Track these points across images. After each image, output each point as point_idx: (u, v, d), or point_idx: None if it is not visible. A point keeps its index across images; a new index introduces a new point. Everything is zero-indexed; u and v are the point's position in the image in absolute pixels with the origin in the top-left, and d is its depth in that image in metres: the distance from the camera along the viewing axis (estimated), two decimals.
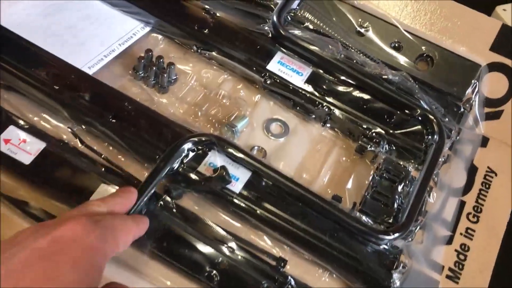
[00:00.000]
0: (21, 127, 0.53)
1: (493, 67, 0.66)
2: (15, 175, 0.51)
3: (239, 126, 0.60)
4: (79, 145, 0.54)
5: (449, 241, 0.57)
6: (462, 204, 0.60)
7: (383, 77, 0.62)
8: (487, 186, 0.62)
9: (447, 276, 0.55)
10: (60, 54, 0.60)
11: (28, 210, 0.49)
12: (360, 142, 0.60)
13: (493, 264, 0.56)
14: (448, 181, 0.61)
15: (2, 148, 0.51)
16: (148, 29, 0.66)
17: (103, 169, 0.52)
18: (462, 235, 0.58)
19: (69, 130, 0.55)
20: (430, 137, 0.59)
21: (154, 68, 0.61)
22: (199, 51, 0.65)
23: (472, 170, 0.62)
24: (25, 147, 0.52)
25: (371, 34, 0.67)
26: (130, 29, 0.66)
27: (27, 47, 0.59)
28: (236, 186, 0.53)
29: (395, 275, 0.50)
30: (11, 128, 0.52)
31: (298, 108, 0.62)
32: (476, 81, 0.65)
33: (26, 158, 0.51)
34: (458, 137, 0.63)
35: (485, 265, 0.56)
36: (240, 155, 0.54)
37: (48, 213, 0.49)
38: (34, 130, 0.53)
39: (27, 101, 0.57)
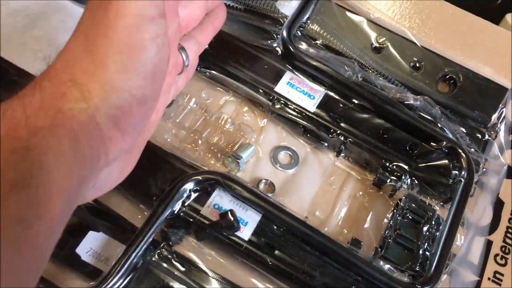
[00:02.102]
0: None
1: None
2: None
3: (245, 157, 0.53)
4: None
5: (477, 287, 0.52)
6: (489, 244, 0.54)
7: (405, 102, 0.56)
8: None
9: None
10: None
11: None
12: (378, 175, 0.54)
13: None
14: (474, 218, 0.55)
15: None
16: None
17: (94, 214, 0.45)
18: (490, 280, 0.53)
19: None
20: (457, 172, 0.53)
21: None
22: (198, 69, 0.58)
23: (498, 205, 0.57)
24: None
25: (388, 51, 0.61)
26: None
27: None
28: (245, 232, 0.46)
29: None
30: None
31: (308, 135, 0.56)
32: (502, 105, 0.59)
33: None
34: (484, 169, 0.57)
35: None
36: (250, 196, 0.47)
37: None
38: None
39: None
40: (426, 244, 0.50)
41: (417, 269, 0.48)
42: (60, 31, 0.57)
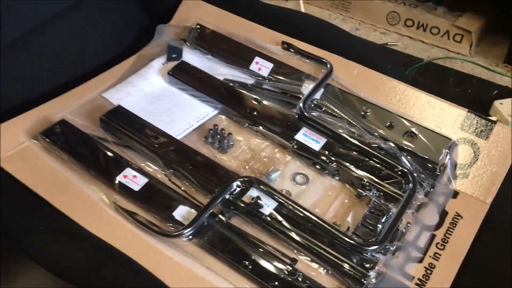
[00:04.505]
0: (133, 169, 0.84)
1: (462, 141, 0.91)
2: (129, 197, 0.81)
3: (273, 176, 0.87)
4: (168, 181, 0.84)
5: (420, 260, 0.79)
6: (433, 236, 0.82)
7: (375, 145, 0.89)
8: (454, 225, 0.84)
9: (416, 284, 0.77)
10: (160, 126, 0.92)
11: (136, 218, 0.78)
12: (358, 189, 0.86)
13: (452, 278, 0.77)
14: (424, 220, 0.84)
15: (122, 180, 0.82)
16: (216, 112, 0.98)
17: (182, 197, 0.81)
18: (430, 257, 0.80)
19: (163, 172, 0.85)
20: (406, 186, 0.84)
21: (218, 137, 0.91)
22: (249, 126, 0.95)
23: (443, 214, 0.85)
24: (135, 181, 0.82)
25: (371, 117, 0.94)
26: (204, 112, 0.97)
27: (139, 121, 0.92)
28: (267, 210, 0.79)
29: (371, 273, 0.74)
30: (128, 169, 0.83)
31: (316, 166, 0.90)
32: (447, 150, 0.90)
33: (136, 187, 0.81)
34: (432, 190, 0.87)
35: (446, 279, 0.77)
36: (270, 190, 0.81)
37: (148, 220, 0.78)
38: (141, 171, 0.84)
39: (138, 155, 0.88)
40: (382, 227, 0.80)
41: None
42: (171, 106, 0.98)
